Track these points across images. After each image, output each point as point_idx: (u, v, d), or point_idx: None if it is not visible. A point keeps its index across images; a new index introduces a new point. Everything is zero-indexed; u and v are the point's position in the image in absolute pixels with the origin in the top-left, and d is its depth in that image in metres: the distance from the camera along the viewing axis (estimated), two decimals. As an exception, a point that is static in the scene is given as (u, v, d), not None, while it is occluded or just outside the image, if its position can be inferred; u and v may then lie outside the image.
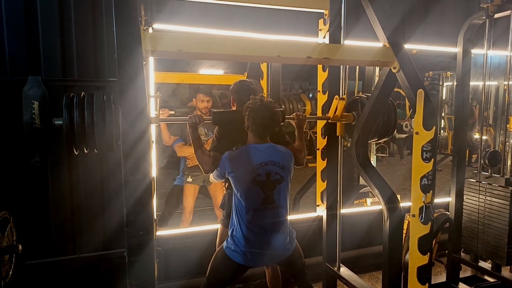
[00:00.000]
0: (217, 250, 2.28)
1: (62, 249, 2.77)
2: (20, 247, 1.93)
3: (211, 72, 5.94)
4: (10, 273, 1.92)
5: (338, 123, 2.56)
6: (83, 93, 1.82)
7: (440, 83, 8.43)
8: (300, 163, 2.33)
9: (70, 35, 2.71)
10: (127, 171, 1.57)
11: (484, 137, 5.21)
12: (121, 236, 1.78)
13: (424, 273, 2.05)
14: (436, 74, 8.65)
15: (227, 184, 2.40)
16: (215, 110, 2.26)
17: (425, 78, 8.96)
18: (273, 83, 3.43)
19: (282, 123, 2.31)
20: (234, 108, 2.54)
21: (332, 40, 2.62)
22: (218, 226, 2.63)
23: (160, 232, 2.94)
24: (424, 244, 2.03)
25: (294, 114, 2.40)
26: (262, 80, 3.55)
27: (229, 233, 2.17)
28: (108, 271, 2.85)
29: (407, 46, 3.64)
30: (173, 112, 3.74)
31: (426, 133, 1.97)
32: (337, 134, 2.60)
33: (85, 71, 2.77)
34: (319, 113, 2.94)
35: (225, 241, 2.19)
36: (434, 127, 1.96)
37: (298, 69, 6.95)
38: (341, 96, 2.51)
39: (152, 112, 2.00)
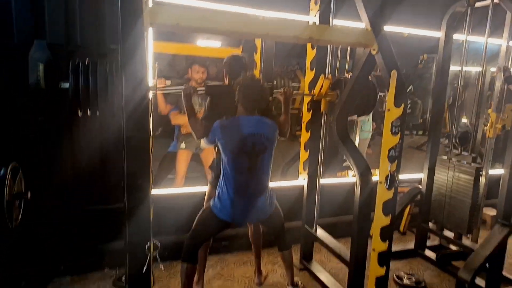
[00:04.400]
0: (204, 207, 2.53)
1: (65, 201, 2.98)
2: (29, 194, 2.14)
3: (209, 43, 6.00)
4: (20, 217, 2.15)
5: (322, 100, 2.76)
6: (87, 59, 1.98)
7: (435, 66, 8.60)
8: (284, 134, 2.54)
9: (74, 2, 2.85)
10: (128, 128, 1.78)
11: (464, 120, 5.44)
12: (120, 191, 1.99)
13: (386, 232, 2.33)
14: (431, 57, 8.80)
15: (217, 148, 2.61)
16: (209, 84, 2.46)
17: (419, 61, 9.09)
18: (266, 58, 3.58)
19: (270, 98, 2.51)
20: (226, 80, 2.73)
21: (322, 20, 2.77)
22: (207, 188, 2.87)
23: (153, 191, 3.15)
24: (387, 207, 2.29)
25: (281, 89, 2.60)
26: (256, 54, 3.70)
27: (216, 194, 2.41)
28: (108, 224, 3.07)
29: (394, 29, 3.79)
30: (169, 82, 3.87)
31: (396, 109, 2.19)
32: (321, 111, 2.80)
33: (88, 38, 2.91)
34: (306, 90, 3.13)
35: (212, 200, 2.43)
36: (403, 105, 2.18)
37: (294, 45, 7.00)
38: (327, 76, 2.70)
39: (150, 81, 2.17)
